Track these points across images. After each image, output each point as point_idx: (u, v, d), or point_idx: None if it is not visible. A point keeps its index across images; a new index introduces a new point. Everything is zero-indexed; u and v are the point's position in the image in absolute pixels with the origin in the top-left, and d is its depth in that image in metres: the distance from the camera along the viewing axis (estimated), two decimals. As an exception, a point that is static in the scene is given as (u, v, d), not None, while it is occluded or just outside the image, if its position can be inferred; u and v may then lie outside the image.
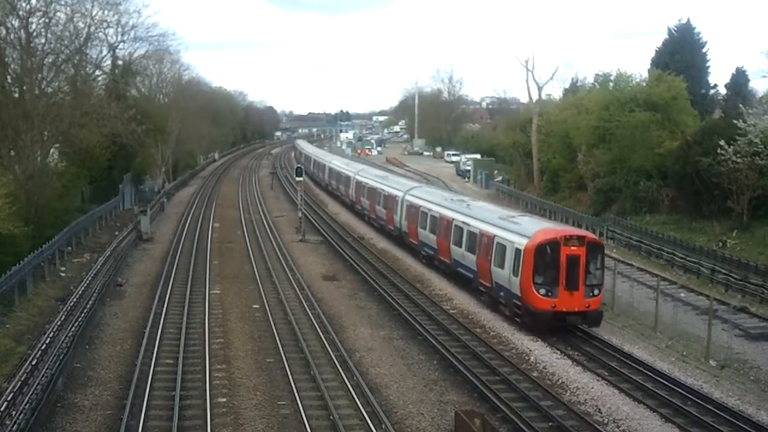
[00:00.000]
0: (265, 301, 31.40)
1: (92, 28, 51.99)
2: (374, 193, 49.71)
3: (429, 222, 37.14)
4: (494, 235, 28.74)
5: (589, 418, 19.50)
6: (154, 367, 22.86)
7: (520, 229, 27.62)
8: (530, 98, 75.68)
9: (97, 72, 58.66)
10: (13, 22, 42.20)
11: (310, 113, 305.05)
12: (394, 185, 47.06)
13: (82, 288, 30.27)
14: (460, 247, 32.33)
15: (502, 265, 27.85)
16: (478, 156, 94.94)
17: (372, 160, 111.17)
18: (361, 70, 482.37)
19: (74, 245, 42.69)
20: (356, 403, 20.27)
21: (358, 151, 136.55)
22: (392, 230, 44.65)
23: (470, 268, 31.38)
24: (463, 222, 32.45)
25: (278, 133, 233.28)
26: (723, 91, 69.30)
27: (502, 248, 27.87)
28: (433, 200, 38.57)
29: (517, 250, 26.57)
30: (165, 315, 28.90)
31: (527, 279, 25.99)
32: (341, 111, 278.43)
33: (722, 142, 43.50)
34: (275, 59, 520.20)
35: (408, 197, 41.72)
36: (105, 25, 54.73)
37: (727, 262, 36.99)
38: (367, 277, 35.89)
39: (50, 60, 44.90)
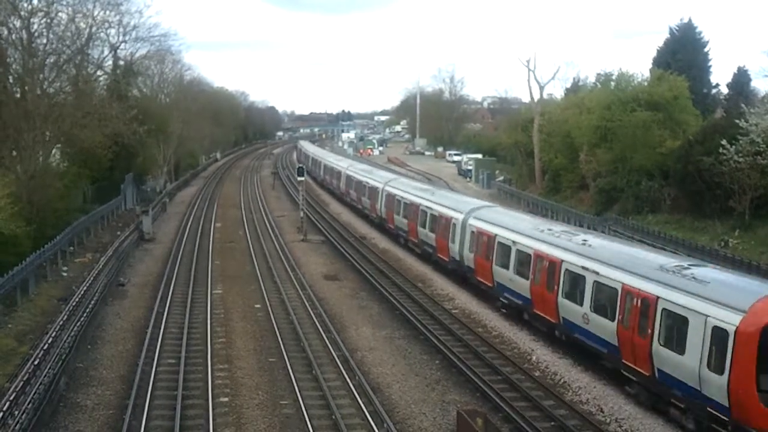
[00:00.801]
0: (267, 300, 31.42)
1: (94, 29, 52.22)
2: (415, 210, 40.20)
3: (514, 259, 27.58)
4: (657, 297, 19.07)
5: (591, 417, 19.51)
6: (157, 366, 22.91)
7: (715, 294, 17.67)
8: (532, 98, 75.74)
9: (99, 72, 58.90)
10: (15, 22, 42.31)
11: (311, 113, 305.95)
12: (449, 203, 37.19)
13: (84, 288, 30.30)
14: (580, 304, 22.73)
15: (679, 349, 18.12)
16: (479, 156, 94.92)
17: (374, 159, 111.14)
18: (362, 69, 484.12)
19: (76, 245, 42.73)
20: (358, 402, 20.28)
21: (360, 151, 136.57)
22: (446, 261, 35.48)
23: (602, 339, 21.58)
24: (583, 267, 22.81)
25: (280, 133, 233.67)
26: (725, 90, 69.17)
27: (679, 321, 18.23)
28: (519, 229, 28.46)
29: (719, 331, 16.85)
30: (167, 315, 28.94)
31: (745, 381, 16.21)
32: (343, 111, 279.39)
33: (724, 142, 43.44)
34: (276, 59, 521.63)
35: (474, 221, 32.16)
36: (106, 25, 54.98)
37: (729, 261, 36.88)
38: (369, 276, 35.87)
39: (52, 60, 44.98)
